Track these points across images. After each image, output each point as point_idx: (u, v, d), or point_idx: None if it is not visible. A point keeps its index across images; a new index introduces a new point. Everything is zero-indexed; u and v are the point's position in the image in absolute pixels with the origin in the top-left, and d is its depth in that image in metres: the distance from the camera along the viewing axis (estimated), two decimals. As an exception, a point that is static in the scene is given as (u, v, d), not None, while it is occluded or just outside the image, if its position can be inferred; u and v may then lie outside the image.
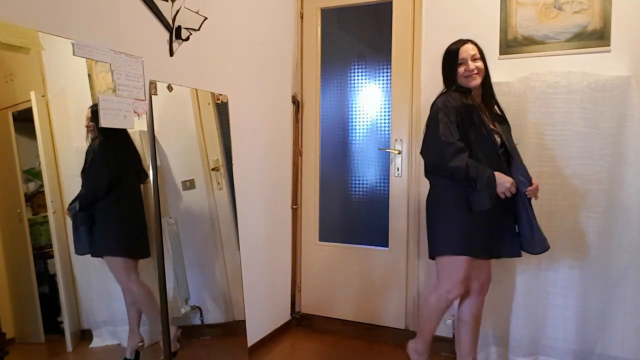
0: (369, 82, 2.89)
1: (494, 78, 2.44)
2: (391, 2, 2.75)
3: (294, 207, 3.04)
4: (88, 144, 1.71)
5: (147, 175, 1.95)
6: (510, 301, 2.42)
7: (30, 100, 1.51)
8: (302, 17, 3.00)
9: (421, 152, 2.07)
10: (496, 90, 2.40)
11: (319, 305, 3.03)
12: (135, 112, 1.81)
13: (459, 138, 1.96)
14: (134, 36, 1.83)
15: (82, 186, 1.70)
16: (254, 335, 2.60)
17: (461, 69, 2.03)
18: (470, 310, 2.18)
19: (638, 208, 2.17)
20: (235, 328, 2.32)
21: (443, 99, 2.04)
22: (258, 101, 2.64)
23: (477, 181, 1.92)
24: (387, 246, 2.82)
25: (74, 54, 1.58)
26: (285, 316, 3.01)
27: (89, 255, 1.70)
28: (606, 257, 2.24)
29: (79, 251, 1.68)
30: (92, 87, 1.66)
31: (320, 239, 3.03)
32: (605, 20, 2.26)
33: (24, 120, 1.49)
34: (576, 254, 2.28)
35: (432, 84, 2.64)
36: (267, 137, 2.73)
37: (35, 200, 1.54)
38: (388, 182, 2.82)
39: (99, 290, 1.73)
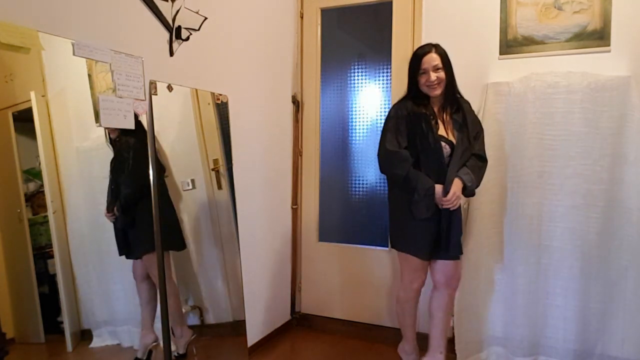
0: (369, 82, 2.89)
1: (495, 78, 2.45)
2: (391, 2, 2.75)
3: (294, 207, 3.04)
4: (108, 143, 1.74)
5: (165, 169, 1.99)
6: (510, 301, 2.42)
7: (30, 100, 1.51)
8: (302, 17, 3.00)
9: (377, 155, 2.17)
10: (496, 90, 2.41)
11: (319, 305, 3.03)
12: (135, 112, 1.81)
13: (407, 146, 2.07)
14: (134, 36, 1.83)
15: (121, 187, 1.76)
16: (254, 335, 2.60)
17: (422, 79, 2.07)
18: (438, 303, 2.24)
19: (638, 208, 2.17)
20: (235, 328, 2.32)
21: (397, 106, 2.14)
22: (258, 101, 2.64)
23: (416, 191, 2.02)
24: (387, 246, 2.82)
25: (74, 54, 1.58)
26: (285, 316, 3.01)
27: (88, 255, 1.70)
28: (606, 257, 2.24)
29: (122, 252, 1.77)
30: (92, 87, 1.66)
31: (320, 239, 3.03)
32: (605, 20, 2.26)
33: (24, 120, 1.49)
34: (576, 254, 2.28)
35: (432, 84, 2.65)
36: (267, 137, 2.73)
37: (35, 200, 1.54)
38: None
39: (99, 290, 1.72)
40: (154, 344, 1.86)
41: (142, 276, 1.85)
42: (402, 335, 2.38)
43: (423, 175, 2.04)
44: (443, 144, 2.07)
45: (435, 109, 2.12)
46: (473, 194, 2.15)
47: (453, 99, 2.13)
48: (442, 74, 2.05)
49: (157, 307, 1.89)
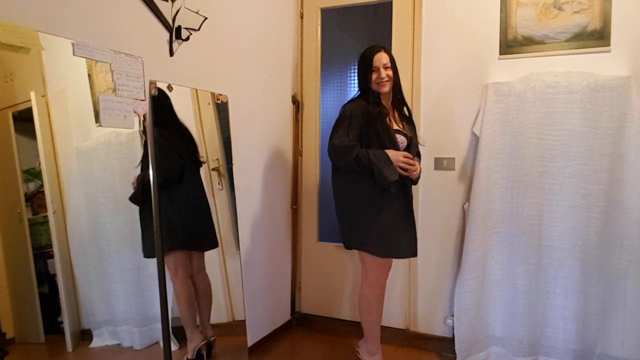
0: (369, 82, 2.88)
1: (495, 78, 2.45)
2: (391, 2, 2.75)
3: (294, 207, 3.04)
4: (141, 132, 1.80)
5: (202, 163, 2.04)
6: (510, 301, 2.42)
7: (30, 100, 1.51)
8: (302, 17, 3.00)
9: (327, 152, 2.21)
10: (496, 90, 2.41)
11: (319, 305, 3.03)
12: (135, 112, 1.81)
13: (356, 142, 2.11)
14: (134, 36, 1.83)
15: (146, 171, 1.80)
16: (254, 335, 2.60)
17: (374, 76, 2.16)
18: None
19: (638, 208, 2.17)
20: (235, 328, 2.32)
21: (351, 107, 2.20)
22: (258, 101, 2.64)
23: (372, 164, 2.06)
24: (387, 246, 2.81)
25: (74, 54, 1.58)
26: (285, 316, 3.01)
27: (88, 255, 1.70)
28: (606, 257, 2.24)
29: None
30: (92, 87, 1.66)
31: (320, 239, 3.03)
32: (605, 20, 2.26)
33: (24, 120, 1.49)
34: (576, 254, 2.28)
35: (432, 84, 2.65)
36: (267, 137, 2.73)
37: (35, 200, 1.54)
38: (388, 182, 2.82)
39: (99, 290, 1.72)
40: (204, 342, 1.86)
41: (185, 273, 1.86)
42: (364, 333, 2.34)
43: (370, 149, 2.09)
44: (402, 137, 2.17)
45: (387, 106, 2.22)
46: (416, 183, 2.26)
47: (400, 96, 2.27)
48: (390, 72, 2.17)
49: (206, 305, 1.93)
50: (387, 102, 2.23)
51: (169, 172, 1.87)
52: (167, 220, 1.87)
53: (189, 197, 1.97)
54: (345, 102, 2.29)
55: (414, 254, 2.26)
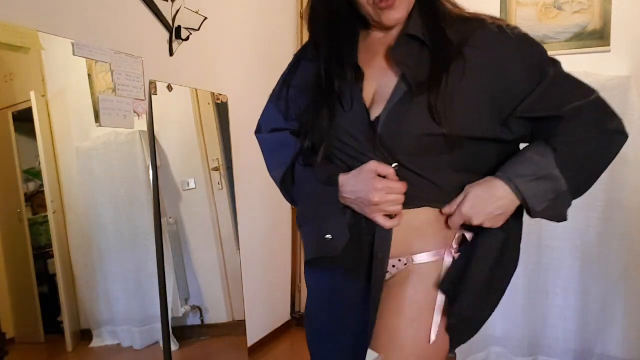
0: (369, 82, 2.88)
1: (494, 78, 2.45)
2: (391, 2, 2.75)
3: (294, 207, 3.03)
4: None
5: None
6: (511, 301, 2.42)
7: (30, 100, 1.51)
8: (302, 17, 2.99)
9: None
10: (496, 90, 2.41)
11: (319, 305, 3.03)
12: (135, 112, 1.81)
13: (302, 121, 1.02)
14: (134, 36, 1.83)
15: None
16: (254, 335, 2.60)
17: None
18: None
19: (638, 208, 2.17)
20: (235, 328, 2.32)
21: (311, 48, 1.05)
22: (258, 101, 2.63)
23: (299, 203, 1.06)
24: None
25: (74, 54, 1.58)
26: (285, 316, 3.01)
27: (88, 255, 1.70)
28: (606, 257, 2.24)
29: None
30: (92, 87, 1.66)
31: (320, 239, 3.02)
32: (605, 20, 2.26)
33: (24, 120, 1.49)
34: (576, 254, 2.28)
35: (432, 84, 2.64)
36: (267, 137, 2.73)
37: (35, 200, 1.54)
38: (388, 182, 2.81)
39: (99, 290, 1.73)
40: None
41: None
42: None
43: (318, 171, 0.99)
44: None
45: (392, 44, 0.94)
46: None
47: (435, 23, 0.94)
48: None
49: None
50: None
51: None
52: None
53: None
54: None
55: None
